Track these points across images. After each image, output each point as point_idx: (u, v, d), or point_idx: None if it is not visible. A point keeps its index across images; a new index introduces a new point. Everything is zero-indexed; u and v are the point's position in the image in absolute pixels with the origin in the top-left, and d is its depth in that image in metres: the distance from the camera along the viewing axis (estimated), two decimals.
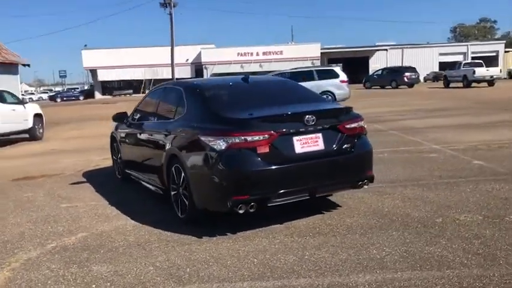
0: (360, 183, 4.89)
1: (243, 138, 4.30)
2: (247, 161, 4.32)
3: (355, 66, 56.23)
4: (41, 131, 15.96)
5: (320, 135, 4.62)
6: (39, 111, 16.07)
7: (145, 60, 50.39)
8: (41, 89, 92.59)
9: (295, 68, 22.66)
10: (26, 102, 15.58)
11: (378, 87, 39.98)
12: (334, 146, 4.68)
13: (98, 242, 4.66)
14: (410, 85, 37.46)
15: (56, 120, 23.27)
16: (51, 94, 64.41)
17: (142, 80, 51.38)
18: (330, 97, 20.31)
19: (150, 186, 5.97)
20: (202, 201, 4.62)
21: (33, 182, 8.01)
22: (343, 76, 20.73)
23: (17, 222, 5.53)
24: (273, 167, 4.35)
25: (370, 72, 49.49)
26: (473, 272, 3.43)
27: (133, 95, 45.82)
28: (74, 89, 71.26)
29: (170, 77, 46.34)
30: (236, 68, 52.14)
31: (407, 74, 37.61)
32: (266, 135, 4.34)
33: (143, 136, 6.09)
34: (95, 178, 7.97)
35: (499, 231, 4.21)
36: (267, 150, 4.33)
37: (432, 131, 11.21)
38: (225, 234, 4.61)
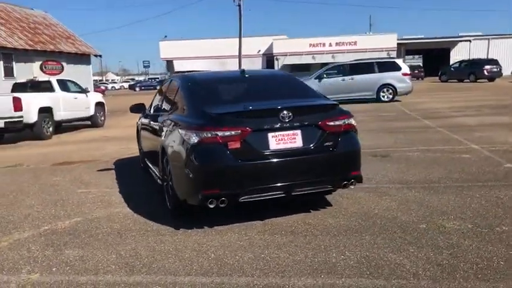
0: (345, 183, 4.70)
1: (214, 133, 4.31)
2: (217, 156, 4.32)
3: (435, 58, 53.48)
4: (102, 118, 16.93)
5: (299, 132, 4.51)
6: (101, 99, 17.04)
7: (218, 51, 51.36)
8: (125, 78, 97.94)
9: (356, 60, 21.96)
10: (89, 92, 16.53)
11: (455, 80, 37.78)
12: (313, 143, 4.54)
13: (85, 227, 4.91)
14: (491, 79, 34.96)
15: (124, 109, 24.53)
16: (131, 83, 67.89)
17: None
18: (390, 90, 19.62)
19: (156, 178, 6.15)
20: (181, 193, 4.69)
21: (68, 167, 8.56)
22: (405, 69, 19.85)
23: (31, 204, 5.96)
24: (244, 163, 4.33)
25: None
26: (420, 284, 3.20)
27: None
28: (154, 78, 74.37)
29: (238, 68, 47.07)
30: (307, 59, 51.66)
31: (487, 66, 35.12)
32: (238, 131, 4.31)
33: (151, 128, 6.28)
34: (122, 166, 8.36)
35: (478, 243, 3.88)
36: (238, 146, 4.31)
37: (483, 129, 10.45)
38: (203, 227, 4.66)
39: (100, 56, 24.90)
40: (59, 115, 14.53)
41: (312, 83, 20.24)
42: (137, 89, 59.35)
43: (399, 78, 19.58)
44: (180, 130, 4.63)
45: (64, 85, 15.31)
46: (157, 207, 5.42)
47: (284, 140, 4.45)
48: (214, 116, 4.46)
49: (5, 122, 12.91)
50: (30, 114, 13.18)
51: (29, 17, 22.06)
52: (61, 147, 11.94)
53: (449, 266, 3.46)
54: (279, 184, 4.45)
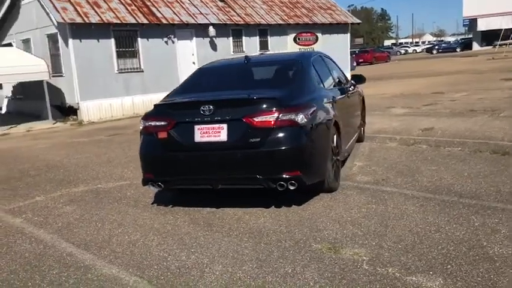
0: (281, 183, 4.28)
1: (149, 123, 4.68)
2: (149, 144, 4.71)
3: None
4: None
5: (225, 126, 4.37)
6: None
7: None
8: (433, 39, 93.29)
9: None
10: None
11: None
12: (237, 138, 4.31)
13: (116, 190, 5.91)
14: None
15: (378, 77, 24.46)
16: (428, 46, 64.26)
17: None
18: None
19: None
20: None
21: None
22: None
23: (99, 170, 7.20)
24: (169, 153, 4.56)
25: None
26: None
27: None
28: (464, 39, 68.37)
29: None
30: None
31: None
32: (165, 122, 4.54)
33: None
34: None
35: (325, 279, 3.11)
36: (165, 136, 4.55)
37: None
38: (166, 205, 5.08)
39: (358, 24, 25.20)
40: None
41: None
42: (434, 51, 56.08)
43: None
44: None
45: None
46: None
47: (208, 133, 4.41)
48: (156, 106, 4.79)
49: None
50: None
51: None
52: None
53: None
54: (203, 176, 4.50)
